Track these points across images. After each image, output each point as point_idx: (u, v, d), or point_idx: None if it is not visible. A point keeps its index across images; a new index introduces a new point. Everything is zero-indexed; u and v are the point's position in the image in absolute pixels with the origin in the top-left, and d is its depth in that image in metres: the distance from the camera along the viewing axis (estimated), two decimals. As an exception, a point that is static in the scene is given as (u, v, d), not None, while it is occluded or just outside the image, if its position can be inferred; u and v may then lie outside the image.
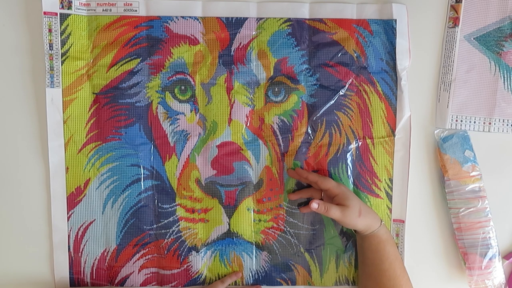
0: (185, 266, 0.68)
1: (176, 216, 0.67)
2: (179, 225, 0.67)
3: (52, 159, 0.65)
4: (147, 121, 0.66)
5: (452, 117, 0.68)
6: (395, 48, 0.66)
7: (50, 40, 0.64)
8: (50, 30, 0.64)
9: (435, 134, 0.68)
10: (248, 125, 0.66)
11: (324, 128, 0.67)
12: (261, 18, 0.65)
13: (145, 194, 0.67)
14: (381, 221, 0.63)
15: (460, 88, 0.67)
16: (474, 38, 0.67)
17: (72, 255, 0.67)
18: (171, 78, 0.66)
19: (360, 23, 0.66)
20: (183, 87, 0.66)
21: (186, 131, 0.66)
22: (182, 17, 0.65)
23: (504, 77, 0.67)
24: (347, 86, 0.67)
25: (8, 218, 0.67)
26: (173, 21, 0.65)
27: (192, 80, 0.66)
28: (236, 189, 0.66)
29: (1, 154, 0.66)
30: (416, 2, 0.66)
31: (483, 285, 0.67)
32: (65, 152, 0.66)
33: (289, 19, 0.65)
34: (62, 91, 0.65)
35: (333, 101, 0.67)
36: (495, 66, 0.67)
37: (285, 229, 0.68)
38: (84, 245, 0.67)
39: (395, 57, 0.66)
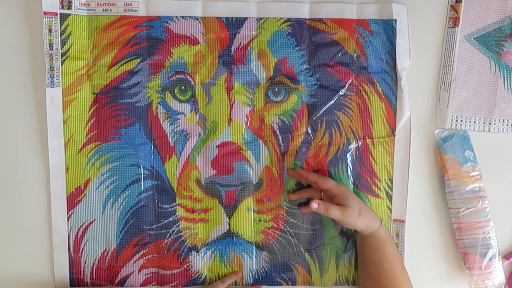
0: (185, 266, 0.68)
1: (176, 216, 0.67)
2: (179, 225, 0.67)
3: (52, 159, 0.65)
4: (147, 121, 0.66)
5: (452, 117, 0.68)
6: (395, 48, 0.66)
7: (50, 40, 0.64)
8: (50, 30, 0.64)
9: (435, 134, 0.68)
10: (248, 125, 0.66)
11: (324, 128, 0.67)
12: (261, 18, 0.65)
13: (145, 194, 0.67)
14: (381, 221, 0.63)
15: (460, 88, 0.67)
16: (474, 38, 0.67)
17: (72, 255, 0.67)
18: (171, 78, 0.66)
19: (360, 23, 0.66)
20: (183, 87, 0.66)
21: (186, 131, 0.66)
22: (182, 17, 0.65)
23: (504, 77, 0.67)
24: (347, 86, 0.67)
25: (8, 218, 0.67)
26: (173, 21, 0.65)
27: (192, 80, 0.66)
28: (236, 189, 0.66)
29: (1, 154, 0.66)
30: (416, 2, 0.66)
31: (483, 285, 0.67)
32: (65, 152, 0.66)
33: (289, 19, 0.65)
34: (62, 91, 0.65)
35: (333, 101, 0.67)
36: (495, 66, 0.67)
37: (285, 229, 0.68)
38: (84, 245, 0.67)
39: (395, 57, 0.66)
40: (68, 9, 0.64)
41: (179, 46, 0.65)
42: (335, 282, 0.69)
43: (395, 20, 0.66)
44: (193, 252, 0.68)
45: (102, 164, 0.66)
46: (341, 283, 0.70)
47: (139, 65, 0.65)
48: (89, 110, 0.66)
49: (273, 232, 0.68)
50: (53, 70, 0.64)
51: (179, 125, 0.66)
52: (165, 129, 0.66)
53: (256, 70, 0.66)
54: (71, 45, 0.64)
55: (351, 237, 0.69)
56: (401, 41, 0.66)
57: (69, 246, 0.67)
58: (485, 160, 0.68)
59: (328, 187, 0.63)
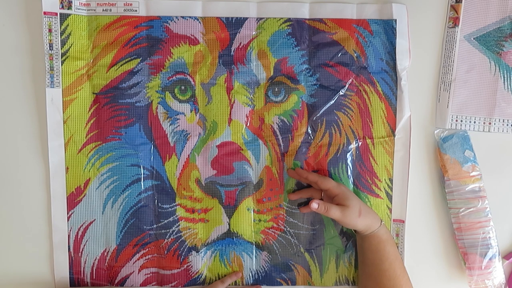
0: (185, 266, 0.68)
1: (176, 216, 0.67)
2: (179, 225, 0.67)
3: (52, 159, 0.65)
4: (147, 121, 0.66)
5: (452, 117, 0.68)
6: (395, 48, 0.66)
7: (50, 40, 0.64)
8: (50, 30, 0.64)
9: (435, 134, 0.68)
10: (248, 125, 0.66)
11: (324, 128, 0.67)
12: (261, 18, 0.65)
13: (145, 194, 0.67)
14: (381, 221, 0.63)
15: (460, 88, 0.67)
16: (474, 38, 0.67)
17: (72, 255, 0.67)
18: (171, 78, 0.66)
19: (360, 23, 0.66)
20: (183, 87, 0.66)
21: (186, 131, 0.66)
22: (182, 17, 0.65)
23: (504, 77, 0.67)
24: (347, 86, 0.67)
25: (8, 218, 0.67)
26: (173, 21, 0.65)
27: (192, 80, 0.66)
28: (236, 189, 0.66)
29: (1, 154, 0.66)
30: (416, 2, 0.66)
31: (483, 285, 0.67)
32: (65, 152, 0.66)
33: (289, 19, 0.65)
34: (62, 91, 0.65)
35: (333, 101, 0.67)
36: (495, 66, 0.67)
37: (285, 229, 0.68)
38: (84, 245, 0.67)
39: (395, 57, 0.66)
40: (68, 9, 0.64)
41: (179, 46, 0.65)
42: (335, 282, 0.69)
43: (395, 20, 0.66)
44: (193, 252, 0.68)
45: (102, 164, 0.66)
46: (341, 283, 0.70)
47: (139, 65, 0.65)
48: (89, 110, 0.66)
49: (273, 232, 0.68)
50: (53, 70, 0.64)
51: (179, 125, 0.66)
52: (165, 129, 0.66)
53: (256, 70, 0.66)
54: (71, 45, 0.64)
55: (351, 237, 0.69)
56: (401, 41, 0.66)
57: (69, 246, 0.67)
58: (485, 160, 0.68)
59: (328, 187, 0.63)
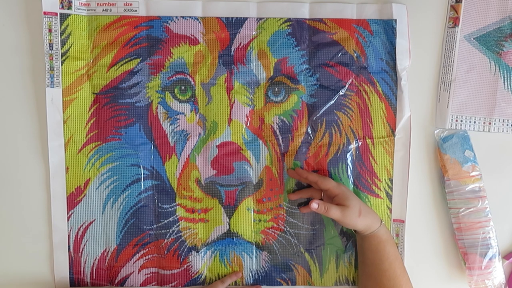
0: (185, 266, 0.68)
1: (176, 216, 0.67)
2: (179, 225, 0.67)
3: (52, 159, 0.65)
4: (147, 121, 0.66)
5: (452, 117, 0.68)
6: (395, 48, 0.66)
7: (50, 40, 0.64)
8: (50, 30, 0.64)
9: (435, 134, 0.68)
10: (248, 125, 0.66)
11: (324, 128, 0.67)
12: (261, 18, 0.65)
13: (145, 194, 0.67)
14: (381, 221, 0.63)
15: (460, 88, 0.67)
16: (474, 38, 0.67)
17: (72, 255, 0.67)
18: (171, 78, 0.66)
19: (360, 23, 0.66)
20: (183, 87, 0.66)
21: (186, 131, 0.66)
22: (182, 17, 0.65)
23: (504, 77, 0.67)
24: (347, 86, 0.67)
25: (8, 218, 0.67)
26: (173, 21, 0.65)
27: (192, 80, 0.66)
28: (236, 189, 0.66)
29: (1, 154, 0.66)
30: (416, 2, 0.66)
31: (483, 285, 0.67)
32: (65, 152, 0.66)
33: (289, 19, 0.65)
34: (62, 91, 0.65)
35: (333, 101, 0.67)
36: (495, 66, 0.67)
37: (285, 229, 0.68)
38: (84, 245, 0.67)
39: (395, 57, 0.66)
40: (68, 9, 0.64)
41: (179, 46, 0.65)
42: (335, 282, 0.69)
43: (395, 20, 0.66)
44: (193, 252, 0.68)
45: (102, 164, 0.66)
46: (341, 283, 0.70)
47: (139, 65, 0.65)
48: (89, 110, 0.66)
49: (273, 232, 0.68)
50: (53, 70, 0.64)
51: (179, 125, 0.66)
52: (165, 129, 0.66)
53: (256, 70, 0.66)
54: (71, 45, 0.64)
55: (351, 237, 0.69)
56: (401, 41, 0.66)
57: (69, 246, 0.67)
58: (485, 160, 0.68)
59: (328, 187, 0.63)
